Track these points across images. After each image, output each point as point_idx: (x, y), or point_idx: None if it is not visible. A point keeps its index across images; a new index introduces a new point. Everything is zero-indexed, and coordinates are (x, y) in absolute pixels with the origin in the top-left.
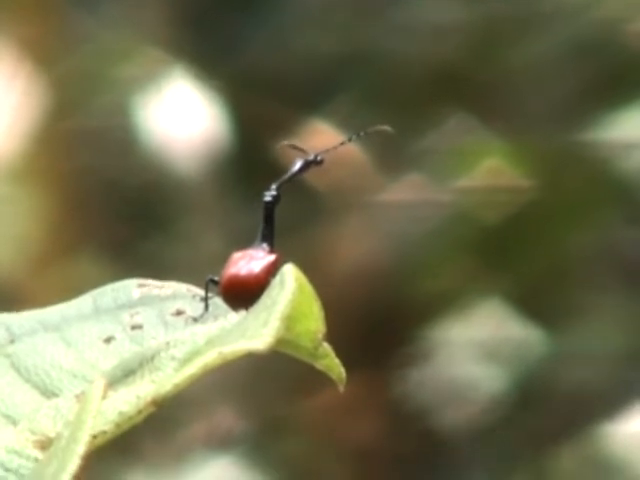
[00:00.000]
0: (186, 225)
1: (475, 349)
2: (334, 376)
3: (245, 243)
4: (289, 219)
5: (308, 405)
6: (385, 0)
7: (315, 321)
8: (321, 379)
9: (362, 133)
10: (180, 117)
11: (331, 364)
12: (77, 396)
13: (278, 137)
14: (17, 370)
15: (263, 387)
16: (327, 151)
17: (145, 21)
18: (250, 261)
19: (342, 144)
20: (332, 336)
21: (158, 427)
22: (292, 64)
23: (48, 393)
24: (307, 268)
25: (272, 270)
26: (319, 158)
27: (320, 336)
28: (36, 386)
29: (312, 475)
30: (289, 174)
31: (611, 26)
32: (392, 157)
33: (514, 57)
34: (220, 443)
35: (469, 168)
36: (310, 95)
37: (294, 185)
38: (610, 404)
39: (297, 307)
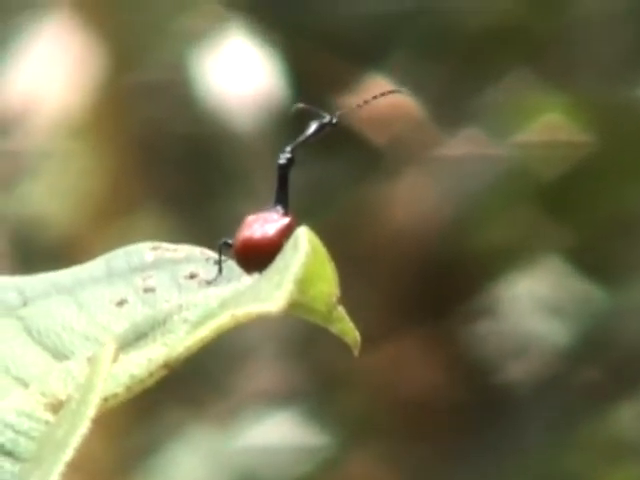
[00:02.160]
0: (243, 181)
1: (536, 304)
2: (349, 340)
3: (299, 199)
4: (348, 174)
5: (368, 360)
6: None
7: (329, 284)
8: (381, 335)
9: (377, 95)
10: (237, 71)
11: (345, 328)
12: (88, 359)
13: (335, 92)
14: (29, 332)
15: (322, 342)
16: (343, 113)
17: None
18: (264, 224)
19: (358, 106)
20: (394, 290)
21: (218, 381)
22: (349, 19)
23: (60, 356)
24: (367, 223)
25: (286, 233)
26: (334, 120)
27: (334, 299)
28: (48, 348)
29: (371, 431)
30: (304, 136)
31: None
32: (450, 112)
33: (572, 11)
34: (279, 398)
35: (527, 123)
36: (367, 50)
37: (352, 140)
38: None
39: (311, 270)
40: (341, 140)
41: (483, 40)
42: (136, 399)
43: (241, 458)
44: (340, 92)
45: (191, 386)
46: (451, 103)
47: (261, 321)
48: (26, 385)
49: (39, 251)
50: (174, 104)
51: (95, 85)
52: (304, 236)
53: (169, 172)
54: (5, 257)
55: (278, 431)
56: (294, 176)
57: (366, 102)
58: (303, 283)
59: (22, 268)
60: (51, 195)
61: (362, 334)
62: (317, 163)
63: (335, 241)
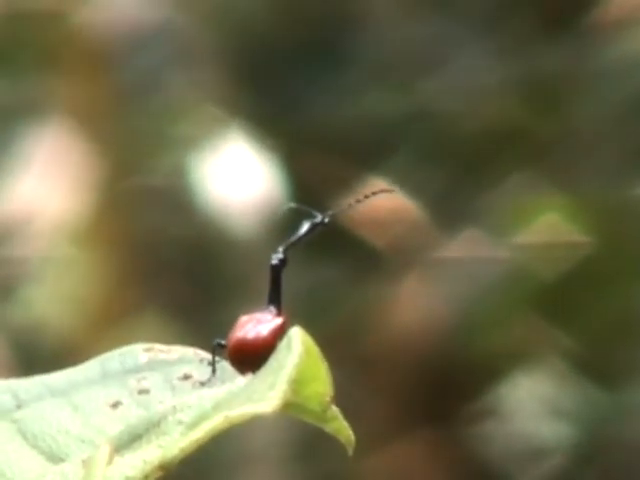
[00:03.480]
0: (245, 285)
1: (540, 405)
2: (343, 439)
3: (304, 302)
4: (349, 276)
5: (372, 464)
6: (441, 60)
7: (323, 384)
8: (385, 438)
9: (368, 194)
10: (237, 176)
11: (340, 427)
12: (84, 461)
13: (335, 196)
14: (24, 436)
15: (327, 445)
16: (334, 213)
17: (203, 80)
18: (257, 324)
19: (350, 206)
20: (398, 393)
21: None
22: (348, 123)
23: (55, 458)
24: (368, 326)
25: (279, 333)
26: (326, 220)
27: (328, 399)
28: (43, 452)
29: None
30: (296, 236)
31: None
32: (450, 214)
33: (572, 114)
34: None
35: (527, 224)
36: (367, 153)
37: (354, 243)
38: None
39: (304, 370)
40: (341, 243)
41: (483, 142)
42: None
43: None
44: (340, 196)
45: None
46: (451, 205)
47: (263, 426)
48: None
49: (40, 356)
50: (174, 209)
51: (94, 191)
52: (297, 336)
53: (169, 277)
54: (6, 362)
55: None
56: (293, 278)
57: (358, 201)
58: (297, 383)
59: (22, 374)
60: (52, 300)
61: (366, 437)
62: (318, 265)
63: (337, 344)
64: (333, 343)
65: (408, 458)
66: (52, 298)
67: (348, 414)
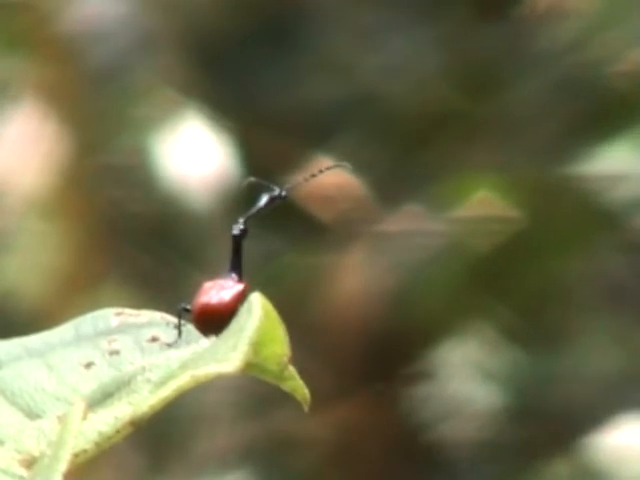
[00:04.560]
0: (201, 253)
1: (472, 369)
2: (299, 397)
3: (253, 267)
4: (299, 248)
5: (319, 421)
6: (383, 46)
7: (281, 345)
8: (330, 398)
9: (322, 169)
10: (194, 154)
11: (296, 386)
12: (59, 417)
13: (285, 173)
14: (3, 394)
15: (277, 405)
16: (291, 187)
17: (162, 65)
18: (220, 290)
19: (306, 180)
20: (342, 357)
21: (180, 443)
22: (298, 105)
23: (32, 415)
24: (315, 294)
25: (241, 298)
26: (283, 194)
27: (285, 359)
28: (21, 409)
29: None
30: (256, 209)
31: (595, 67)
32: (392, 190)
33: (506, 96)
34: (235, 458)
35: (463, 200)
36: (314, 133)
37: (303, 217)
38: (596, 418)
39: (264, 333)
40: (291, 216)
41: (422, 123)
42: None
43: None
44: (289, 173)
45: (158, 448)
46: (393, 182)
47: (219, 386)
48: (1, 443)
49: (13, 322)
50: (135, 185)
51: (62, 168)
52: (257, 301)
53: (132, 248)
54: None
55: None
56: (247, 248)
57: (312, 176)
58: (257, 345)
59: None
60: (23, 269)
61: (314, 396)
62: (269, 237)
63: (285, 310)
64: (283, 309)
65: (351, 416)
66: (23, 267)
67: (302, 376)
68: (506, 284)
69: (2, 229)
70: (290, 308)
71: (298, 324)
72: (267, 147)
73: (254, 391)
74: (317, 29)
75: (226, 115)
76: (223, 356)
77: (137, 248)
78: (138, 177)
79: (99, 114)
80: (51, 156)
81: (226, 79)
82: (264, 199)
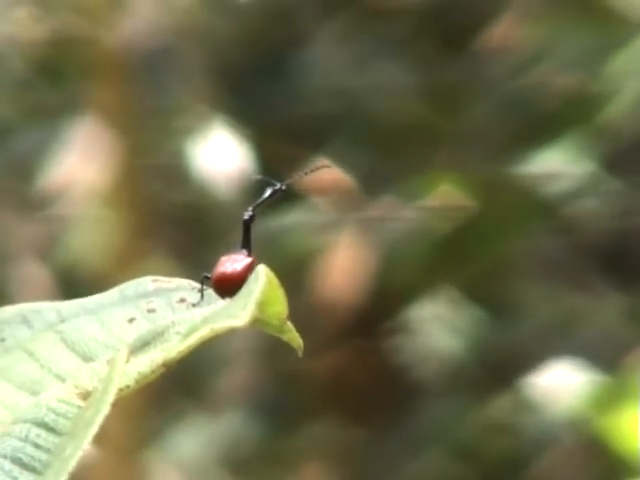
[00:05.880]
0: (224, 234)
1: (439, 323)
2: (295, 345)
3: (264, 247)
4: (300, 230)
5: (316, 366)
6: (369, 71)
7: (281, 306)
8: (325, 348)
9: (311, 170)
10: (220, 156)
11: (293, 336)
12: (108, 361)
13: (290, 170)
14: (65, 342)
15: (280, 351)
16: (289, 182)
17: (195, 86)
18: (234, 263)
19: (300, 177)
20: (334, 315)
21: (193, 386)
22: (300, 117)
23: (87, 359)
24: (312, 266)
25: (250, 269)
26: (283, 187)
27: (284, 316)
28: (79, 354)
29: (315, 416)
30: (262, 199)
31: (533, 89)
32: (373, 184)
33: (464, 112)
34: (244, 397)
35: (429, 192)
36: (313, 139)
37: (304, 204)
38: (534, 363)
39: (267, 296)
40: (295, 204)
41: (399, 132)
42: (147, 392)
43: (224, 439)
44: (293, 170)
45: (189, 386)
46: (374, 177)
47: (236, 337)
48: (63, 380)
49: (77, 286)
50: (174, 181)
51: (118, 168)
52: (262, 271)
53: (170, 229)
54: (53, 291)
55: (238, 426)
56: (256, 230)
57: (306, 173)
58: (262, 305)
59: (64, 299)
60: (86, 246)
61: (312, 346)
62: (275, 220)
63: (288, 279)
64: (287, 278)
65: (344, 360)
66: (87, 244)
67: (297, 329)
68: (464, 257)
69: (72, 215)
70: (292, 277)
71: (299, 289)
72: (276, 150)
73: (263, 341)
74: (316, 57)
75: (244, 125)
76: (235, 313)
77: (175, 230)
78: (177, 174)
79: (147, 125)
80: (109, 158)
81: (244, 98)
82: (268, 192)
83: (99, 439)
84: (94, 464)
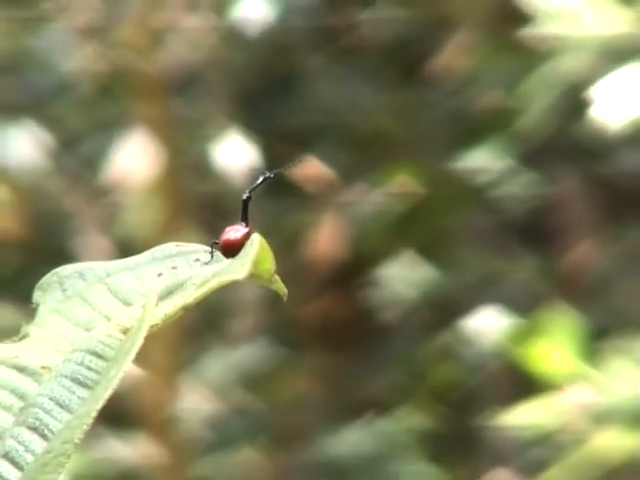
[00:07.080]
0: (237, 214)
1: (400, 278)
2: (280, 292)
3: (261, 225)
4: (290, 211)
5: (306, 311)
6: (346, 92)
7: (270, 264)
8: (313, 298)
9: (291, 165)
10: (235, 156)
11: (279, 286)
12: (142, 305)
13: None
14: (111, 291)
15: (281, 300)
16: (276, 172)
17: (215, 100)
18: (235, 232)
19: (285, 169)
20: (318, 274)
21: (218, 325)
22: (297, 126)
23: (127, 304)
24: (301, 239)
25: (247, 236)
26: (272, 175)
27: (273, 272)
28: (120, 300)
29: (304, 345)
30: (255, 184)
31: (470, 102)
32: (349, 175)
33: (417, 121)
34: (255, 333)
35: (390, 181)
36: (306, 142)
37: (295, 190)
38: (469, 308)
39: (260, 256)
40: (289, 190)
41: (368, 136)
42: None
43: (241, 365)
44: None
45: (214, 324)
46: (350, 170)
47: (249, 289)
48: (109, 320)
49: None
50: (201, 175)
51: (159, 167)
52: (256, 238)
53: (200, 211)
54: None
55: (250, 356)
56: (265, 213)
57: (290, 167)
58: (256, 263)
59: None
60: (136, 224)
61: (302, 296)
62: (272, 202)
63: (280, 250)
64: (278, 249)
65: (327, 308)
66: (137, 223)
67: (293, 283)
68: (417, 230)
69: (126, 200)
70: (287, 246)
71: (290, 258)
72: (278, 151)
73: (270, 292)
74: (310, 80)
75: (254, 133)
76: (236, 269)
77: (202, 211)
78: (203, 170)
79: (181, 133)
80: (154, 158)
81: (254, 112)
82: (260, 178)
83: (145, 365)
84: (141, 385)
